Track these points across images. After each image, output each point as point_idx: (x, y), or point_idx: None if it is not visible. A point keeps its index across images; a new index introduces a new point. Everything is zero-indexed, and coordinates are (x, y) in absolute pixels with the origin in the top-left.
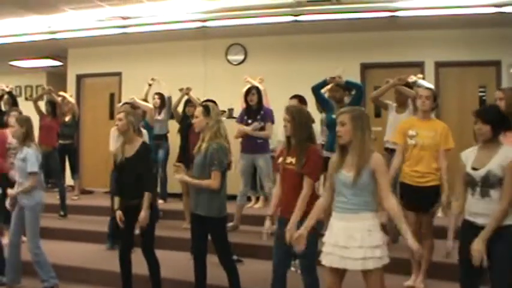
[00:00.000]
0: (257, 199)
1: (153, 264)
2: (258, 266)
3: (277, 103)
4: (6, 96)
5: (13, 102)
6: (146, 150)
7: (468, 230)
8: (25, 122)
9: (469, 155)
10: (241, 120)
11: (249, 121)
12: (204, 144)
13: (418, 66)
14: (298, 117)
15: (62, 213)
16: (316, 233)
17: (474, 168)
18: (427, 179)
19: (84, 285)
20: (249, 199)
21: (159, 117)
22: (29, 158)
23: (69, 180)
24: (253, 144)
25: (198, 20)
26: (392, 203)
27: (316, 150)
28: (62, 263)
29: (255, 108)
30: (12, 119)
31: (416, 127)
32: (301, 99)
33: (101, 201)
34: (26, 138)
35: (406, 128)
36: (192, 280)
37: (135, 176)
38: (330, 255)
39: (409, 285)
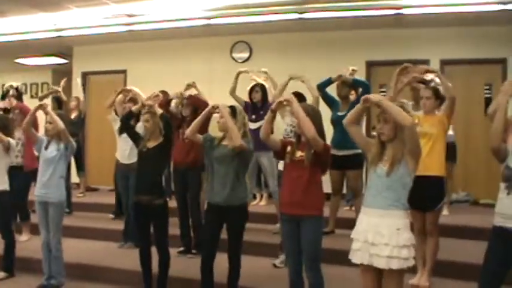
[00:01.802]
0: (261, 197)
1: (165, 261)
2: (255, 264)
3: None
4: (11, 91)
5: (18, 98)
6: (169, 144)
7: (499, 238)
8: (61, 118)
9: None
10: None
11: (253, 117)
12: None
13: (424, 64)
14: (312, 115)
15: (67, 210)
16: (321, 231)
17: None
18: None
19: (90, 282)
20: (254, 197)
21: None
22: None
23: (74, 177)
24: (257, 143)
25: (203, 18)
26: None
27: (328, 148)
28: (67, 260)
29: (259, 105)
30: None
31: (419, 119)
32: (301, 97)
33: (106, 199)
34: None
35: None
36: (194, 278)
37: (154, 169)
38: (359, 252)
39: (414, 283)
